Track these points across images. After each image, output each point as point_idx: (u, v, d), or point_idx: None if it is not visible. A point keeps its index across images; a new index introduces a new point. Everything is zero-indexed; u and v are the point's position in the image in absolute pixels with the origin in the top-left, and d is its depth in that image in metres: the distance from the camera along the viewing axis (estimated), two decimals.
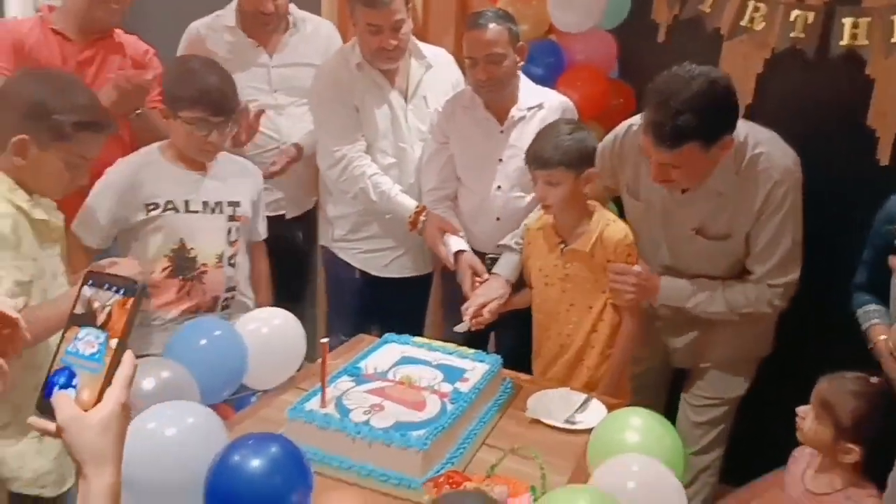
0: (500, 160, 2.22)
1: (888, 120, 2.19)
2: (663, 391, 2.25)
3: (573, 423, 1.69)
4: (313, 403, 1.54)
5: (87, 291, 0.85)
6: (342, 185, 2.32)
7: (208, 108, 1.90)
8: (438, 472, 1.42)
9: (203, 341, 1.68)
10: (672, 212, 1.93)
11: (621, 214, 2.07)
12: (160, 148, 2.00)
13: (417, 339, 1.92)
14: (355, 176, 2.28)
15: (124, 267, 1.65)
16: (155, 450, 1.24)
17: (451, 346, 1.88)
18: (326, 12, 2.77)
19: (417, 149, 2.36)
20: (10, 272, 1.50)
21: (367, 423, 1.48)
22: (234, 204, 2.04)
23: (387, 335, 1.93)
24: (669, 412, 2.00)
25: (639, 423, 1.48)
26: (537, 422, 1.68)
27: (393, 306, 2.44)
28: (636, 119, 1.93)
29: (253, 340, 1.75)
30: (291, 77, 2.48)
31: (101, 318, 0.83)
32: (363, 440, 1.44)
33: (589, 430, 1.56)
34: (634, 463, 1.35)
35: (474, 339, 2.08)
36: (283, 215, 2.53)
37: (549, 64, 2.47)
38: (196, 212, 1.97)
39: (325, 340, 1.59)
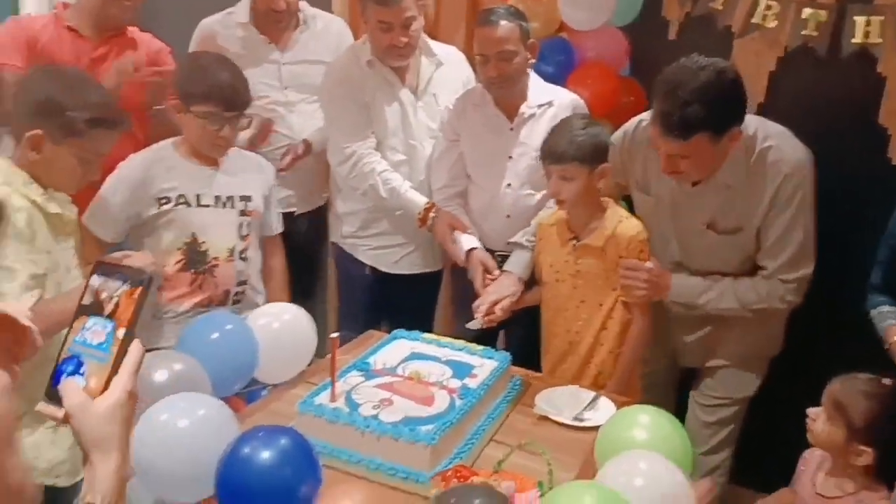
0: (511, 157, 2.22)
1: None
2: (672, 391, 2.24)
3: (581, 420, 1.68)
4: (323, 398, 1.55)
5: (96, 281, 0.86)
6: (352, 182, 2.33)
7: (220, 103, 1.91)
8: (446, 466, 1.42)
9: (215, 335, 1.69)
10: (682, 205, 1.92)
11: (631, 213, 2.06)
12: (174, 143, 2.02)
13: (426, 335, 1.92)
14: (365, 173, 2.28)
15: (137, 259, 1.67)
16: (167, 440, 1.26)
17: (459, 342, 1.88)
18: (337, 9, 2.77)
19: (428, 146, 2.36)
20: (26, 265, 1.52)
21: (376, 417, 1.49)
22: (246, 198, 2.05)
23: (396, 331, 1.94)
24: (678, 412, 1.97)
25: (647, 421, 1.47)
26: (545, 418, 1.68)
27: (403, 303, 2.44)
28: (646, 115, 1.93)
29: (264, 335, 1.76)
30: (302, 74, 2.49)
31: (108, 308, 0.84)
32: (372, 434, 1.44)
33: (597, 428, 1.55)
34: (642, 459, 1.34)
35: (483, 336, 2.07)
36: (293, 212, 2.54)
37: (560, 62, 2.46)
38: (207, 206, 1.99)
39: (335, 336, 1.60)
